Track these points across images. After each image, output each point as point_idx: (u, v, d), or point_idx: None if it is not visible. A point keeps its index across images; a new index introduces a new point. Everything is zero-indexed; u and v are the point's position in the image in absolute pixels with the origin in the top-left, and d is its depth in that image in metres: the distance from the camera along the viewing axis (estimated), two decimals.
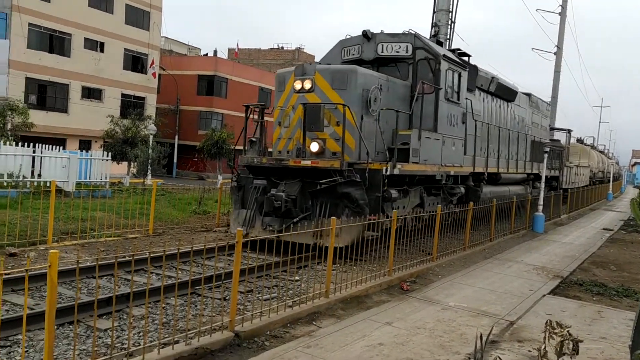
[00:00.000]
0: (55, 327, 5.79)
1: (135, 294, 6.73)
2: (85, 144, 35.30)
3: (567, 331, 4.29)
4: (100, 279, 8.08)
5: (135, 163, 27.77)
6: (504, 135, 18.33)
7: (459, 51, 16.25)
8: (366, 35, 13.13)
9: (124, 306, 6.62)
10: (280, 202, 10.23)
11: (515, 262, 11.87)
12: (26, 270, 4.38)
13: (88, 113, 36.46)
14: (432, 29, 17.87)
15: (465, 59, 15.92)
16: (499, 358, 4.79)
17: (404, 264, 9.83)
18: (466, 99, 14.57)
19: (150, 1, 40.91)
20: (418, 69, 12.85)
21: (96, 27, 37.05)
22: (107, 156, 20.72)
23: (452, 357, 5.83)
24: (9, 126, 26.10)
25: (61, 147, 21.46)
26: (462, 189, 14.84)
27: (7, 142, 21.37)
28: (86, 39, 36.76)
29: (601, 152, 59.64)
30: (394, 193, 10.85)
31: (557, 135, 30.20)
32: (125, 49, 39.57)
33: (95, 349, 5.37)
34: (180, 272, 8.81)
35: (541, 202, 18.16)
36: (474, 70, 15.68)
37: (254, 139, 12.30)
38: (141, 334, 5.81)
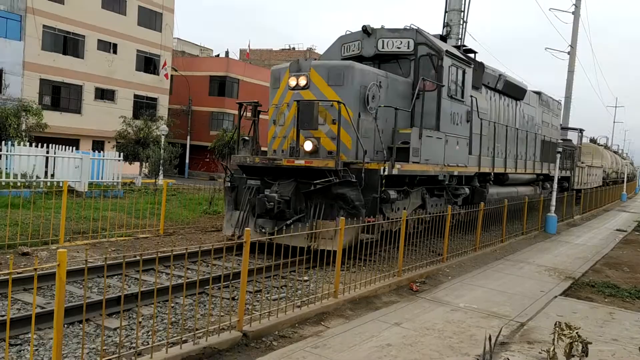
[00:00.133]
0: (65, 325, 5.85)
1: (145, 293, 6.79)
2: (98, 145, 35.60)
3: (576, 333, 4.23)
4: (111, 279, 8.14)
5: (147, 163, 27.96)
6: (512, 134, 17.94)
7: (464, 48, 15.96)
8: (366, 31, 12.71)
9: (133, 305, 6.65)
10: (273, 204, 9.85)
11: (526, 263, 11.77)
12: (35, 269, 4.42)
13: (101, 114, 36.78)
14: (443, 28, 17.83)
15: (472, 55, 15.62)
16: (508, 359, 4.74)
17: (414, 265, 9.79)
18: (471, 96, 14.14)
19: (163, 3, 41.17)
20: (420, 65, 12.42)
21: (109, 29, 37.36)
22: (119, 156, 20.87)
23: (461, 359, 5.78)
24: (23, 127, 26.40)
25: (74, 148, 21.64)
26: (467, 190, 14.44)
27: (22, 143, 21.63)
28: (99, 41, 37.09)
29: (615, 152, 59.02)
30: (392, 194, 10.50)
31: (569, 135, 29.82)
32: (138, 51, 39.87)
33: (105, 347, 5.40)
34: (189, 271, 8.85)
35: (554, 202, 17.99)
36: (480, 67, 15.33)
37: (246, 138, 11.90)
38: (150, 333, 5.84)
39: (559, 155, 18.84)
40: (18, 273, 7.58)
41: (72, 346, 5.48)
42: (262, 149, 12.61)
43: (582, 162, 30.24)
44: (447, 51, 12.56)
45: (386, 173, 10.20)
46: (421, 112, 11.75)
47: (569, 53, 32.69)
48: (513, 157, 18.10)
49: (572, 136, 30.25)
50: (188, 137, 44.94)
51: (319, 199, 9.99)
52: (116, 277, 8.30)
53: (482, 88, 15.72)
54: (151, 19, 40.73)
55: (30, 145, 20.31)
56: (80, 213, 12.32)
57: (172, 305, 6.91)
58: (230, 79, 46.50)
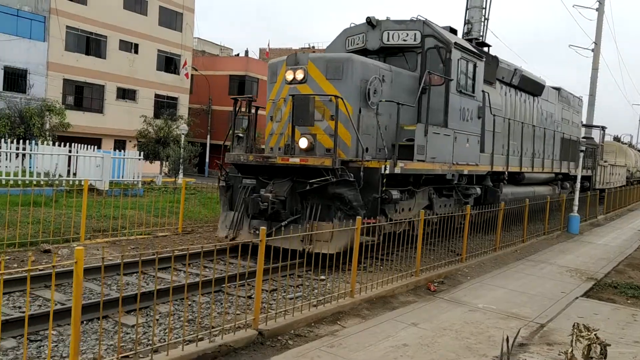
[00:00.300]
0: (84, 322, 5.92)
1: (162, 291, 6.85)
2: (120, 144, 36.06)
3: (595, 334, 4.15)
4: (130, 276, 8.22)
5: (167, 162, 28.23)
6: (528, 131, 17.19)
7: (477, 41, 15.33)
8: (370, 23, 12.06)
9: (150, 303, 6.70)
10: (267, 204, 9.35)
11: (548, 264, 11.60)
12: (53, 266, 4.48)
13: (123, 113, 37.26)
14: (464, 26, 17.63)
15: (485, 49, 15.07)
16: None
17: (432, 265, 9.71)
18: (483, 91, 13.47)
19: (183, 3, 41.56)
20: (427, 58, 11.77)
21: (130, 29, 37.83)
22: (140, 155, 21.10)
23: None
24: (47, 126, 26.89)
25: (96, 147, 21.95)
26: (478, 190, 13.79)
27: (45, 142, 22.02)
28: (121, 41, 37.58)
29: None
30: (394, 194, 9.91)
31: (588, 132, 29.13)
32: (159, 50, 40.30)
33: (122, 344, 5.46)
34: (206, 269, 8.90)
35: (576, 202, 17.69)
36: (493, 61, 14.71)
37: (241, 135, 11.33)
38: (166, 330, 5.88)
39: (581, 154, 18.48)
40: (39, 270, 7.69)
41: (91, 342, 5.55)
42: (263, 146, 12.18)
43: (605, 161, 29.62)
44: (455, 43, 11.97)
45: (387, 172, 9.64)
46: (427, 108, 11.19)
47: (592, 50, 32.18)
48: (530, 155, 17.44)
49: (594, 134, 29.61)
50: (208, 137, 45.26)
51: (315, 199, 9.48)
52: (135, 274, 8.38)
53: (496, 83, 15.12)
54: (172, 19, 41.15)
55: (54, 144, 20.64)
56: (101, 211, 12.48)
57: (189, 303, 6.95)
58: (249, 78, 46.73)
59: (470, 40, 14.63)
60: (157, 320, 6.24)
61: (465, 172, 12.82)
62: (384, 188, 9.65)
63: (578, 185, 18.34)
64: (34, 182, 16.93)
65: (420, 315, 7.20)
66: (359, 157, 9.81)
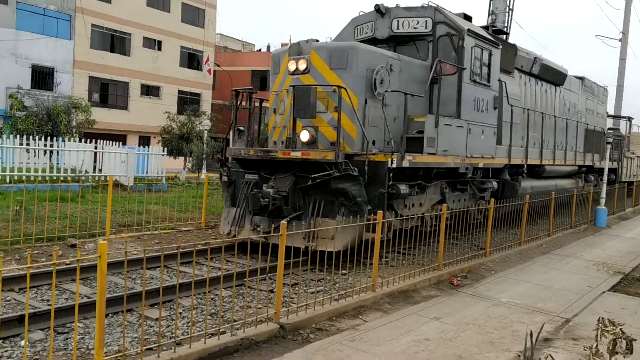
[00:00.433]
0: (110, 315, 6.03)
1: (184, 285, 6.93)
2: (144, 140, 36.58)
3: (620, 329, 4.06)
4: (154, 270, 8.33)
5: (191, 158, 28.50)
6: (549, 122, 16.52)
7: (494, 28, 14.79)
8: (379, 11, 11.52)
9: (174, 297, 6.78)
10: (268, 200, 9.02)
11: (574, 258, 11.40)
12: (77, 260, 4.56)
13: (146, 110, 37.73)
14: (488, 17, 17.39)
15: (503, 37, 14.57)
16: (550, 357, 4.60)
17: (455, 259, 9.63)
18: (500, 80, 12.90)
19: None
20: (439, 46, 11.21)
21: (154, 26, 38.25)
22: (163, 151, 21.35)
23: (501, 355, 5.66)
24: (73, 123, 27.38)
25: (121, 143, 22.27)
26: (495, 184, 13.19)
27: (72, 139, 22.43)
28: (145, 38, 38.04)
29: None
30: (403, 189, 9.45)
31: (616, 124, 28.42)
32: (182, 47, 40.67)
33: (145, 337, 5.54)
34: (228, 264, 8.96)
35: (603, 195, 17.34)
36: (511, 49, 14.12)
37: (241, 128, 10.94)
38: (189, 324, 5.95)
39: (609, 146, 18.08)
40: (65, 264, 7.85)
41: (116, 335, 5.64)
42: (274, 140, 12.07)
43: (632, 153, 28.89)
44: (469, 30, 11.40)
45: (394, 166, 9.11)
46: (437, 98, 10.71)
47: (620, 40, 31.46)
48: (551, 147, 16.77)
49: (620, 125, 28.90)
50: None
51: (318, 194, 9.06)
52: (158, 268, 8.49)
53: (515, 72, 14.55)
54: (194, 16, 41.46)
55: (80, 141, 21.03)
56: (125, 206, 12.66)
57: (211, 297, 7.02)
58: None
59: (486, 28, 14.00)
60: (180, 313, 6.32)
61: (480, 165, 12.31)
62: (391, 182, 9.21)
63: (605, 177, 17.98)
64: (61, 178, 17.27)
65: (442, 309, 7.15)
66: (364, 150, 9.37)
